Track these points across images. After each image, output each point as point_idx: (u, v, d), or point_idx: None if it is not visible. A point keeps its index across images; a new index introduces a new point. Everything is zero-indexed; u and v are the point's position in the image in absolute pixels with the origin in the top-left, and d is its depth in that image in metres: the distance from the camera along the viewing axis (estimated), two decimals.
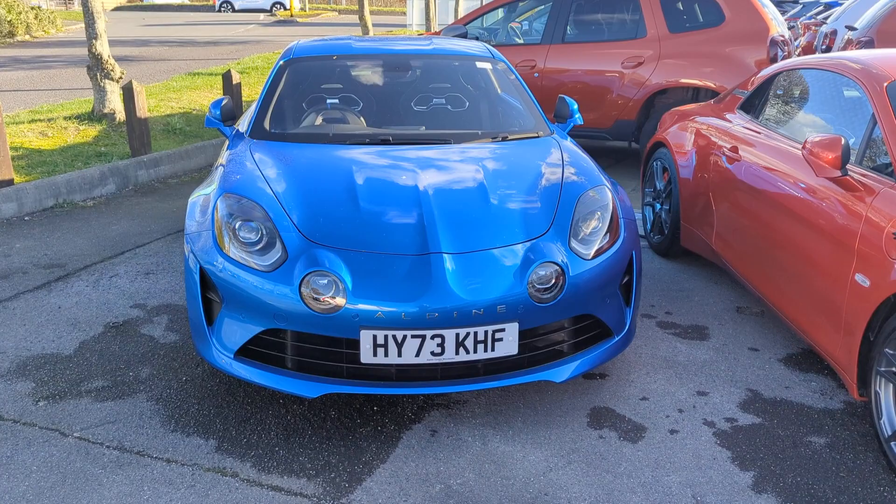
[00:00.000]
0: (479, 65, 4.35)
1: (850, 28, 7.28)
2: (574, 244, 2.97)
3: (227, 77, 7.94)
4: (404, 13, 31.04)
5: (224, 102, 4.02)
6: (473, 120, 4.01)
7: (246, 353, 2.90)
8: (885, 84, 3.16)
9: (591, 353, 3.00)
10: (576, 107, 4.19)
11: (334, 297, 2.70)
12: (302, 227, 2.92)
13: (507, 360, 2.81)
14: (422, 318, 2.67)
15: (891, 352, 2.60)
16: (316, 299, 2.71)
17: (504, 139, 3.74)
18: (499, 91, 4.19)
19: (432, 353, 2.70)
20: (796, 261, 3.26)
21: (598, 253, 2.99)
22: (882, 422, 2.69)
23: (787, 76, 4.04)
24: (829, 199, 3.09)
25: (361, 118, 3.96)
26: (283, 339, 2.84)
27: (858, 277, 2.80)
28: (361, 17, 12.69)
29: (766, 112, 4.06)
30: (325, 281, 2.72)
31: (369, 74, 4.28)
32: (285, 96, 4.06)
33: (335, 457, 2.73)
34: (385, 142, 3.64)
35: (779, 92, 4.05)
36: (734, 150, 3.96)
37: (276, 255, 2.84)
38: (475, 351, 2.72)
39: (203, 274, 2.96)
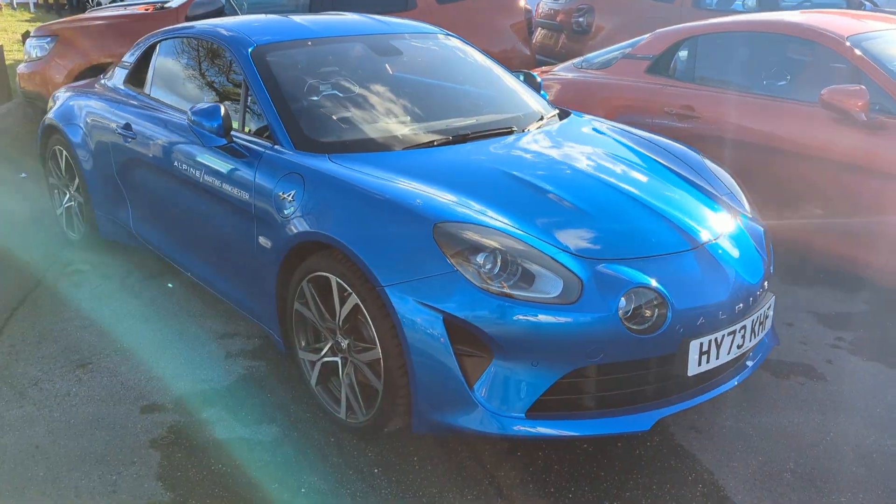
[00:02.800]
0: (445, 41, 3.95)
1: None
2: (747, 209, 3.07)
3: None
4: None
5: (223, 111, 3.00)
6: (497, 103, 3.67)
7: (536, 408, 2.38)
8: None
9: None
10: (541, 81, 4.12)
11: (659, 314, 2.38)
12: (561, 244, 2.46)
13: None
14: (732, 312, 2.53)
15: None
16: (636, 320, 2.36)
17: (549, 120, 3.54)
18: (485, 67, 3.89)
19: (738, 347, 2.58)
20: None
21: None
22: None
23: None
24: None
25: (395, 113, 3.33)
26: (579, 379, 2.40)
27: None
28: None
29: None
30: (643, 298, 2.38)
31: (361, 62, 3.57)
32: (293, 95, 3.19)
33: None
34: (464, 138, 3.16)
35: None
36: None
37: (556, 282, 2.36)
38: (758, 333, 2.68)
39: (449, 324, 2.32)
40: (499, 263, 2.38)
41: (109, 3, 11.05)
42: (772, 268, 2.91)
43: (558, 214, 2.63)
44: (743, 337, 2.58)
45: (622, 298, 2.36)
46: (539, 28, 8.43)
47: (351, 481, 2.50)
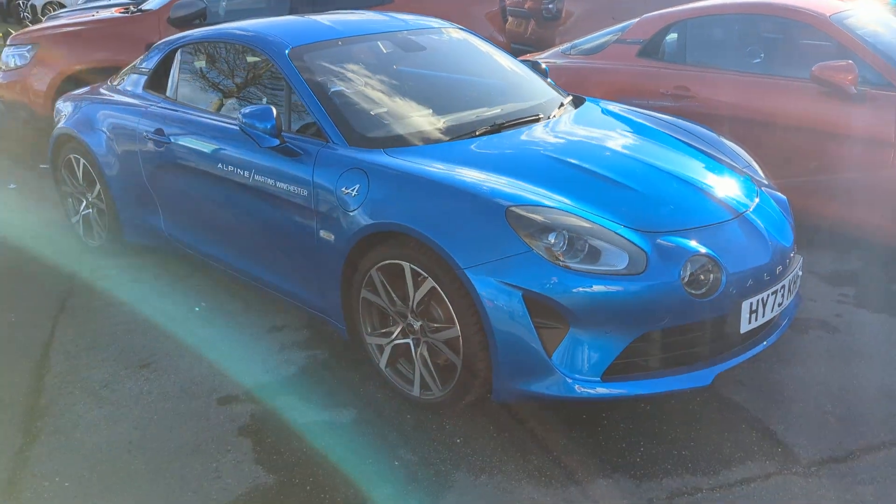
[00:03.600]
0: (456, 35, 4.12)
1: None
2: (763, 178, 3.34)
3: None
4: None
5: (275, 112, 3.13)
6: (516, 92, 3.86)
7: (610, 371, 2.60)
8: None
9: None
10: (547, 69, 4.32)
11: (714, 278, 2.63)
12: (621, 220, 2.68)
13: None
14: (774, 273, 2.80)
15: None
16: (696, 286, 2.60)
17: (566, 105, 3.75)
18: (498, 59, 4.07)
19: (779, 305, 2.85)
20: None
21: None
22: None
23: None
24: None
25: (433, 106, 3.49)
26: (646, 343, 2.63)
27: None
28: None
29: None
30: (701, 265, 2.62)
31: (390, 59, 3.71)
32: (337, 93, 3.33)
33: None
34: (500, 127, 3.35)
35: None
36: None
37: (622, 255, 2.58)
38: (793, 292, 2.96)
39: (528, 299, 2.52)
40: (567, 241, 2.58)
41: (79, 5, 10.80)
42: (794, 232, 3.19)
43: (610, 193, 2.85)
44: (783, 296, 2.86)
45: (682, 266, 2.59)
46: (509, 16, 8.63)
47: (438, 451, 2.69)
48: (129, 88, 4.30)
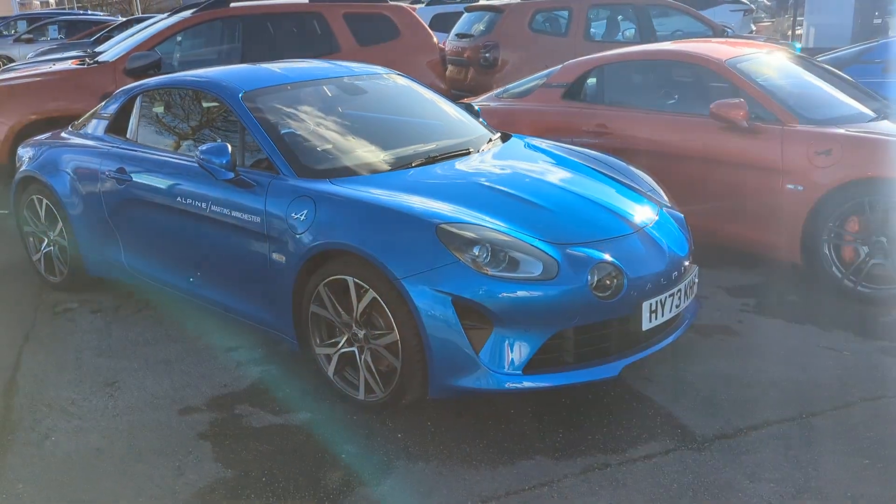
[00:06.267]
0: (398, 80, 4.56)
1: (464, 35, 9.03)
2: (667, 201, 3.80)
3: None
4: None
5: (230, 149, 3.49)
6: (450, 130, 4.27)
7: (530, 366, 2.98)
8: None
9: None
10: (479, 109, 4.78)
11: (617, 283, 3.04)
12: (535, 234, 3.08)
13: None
14: (670, 279, 3.22)
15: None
16: (600, 289, 3.01)
17: (494, 141, 4.18)
18: (435, 101, 4.51)
19: (675, 307, 3.28)
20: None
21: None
22: None
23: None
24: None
25: (372, 142, 3.88)
26: (560, 340, 3.02)
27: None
28: None
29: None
30: (605, 272, 3.03)
31: (334, 101, 4.11)
32: (285, 131, 3.70)
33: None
34: (433, 160, 3.75)
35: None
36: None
37: (537, 264, 2.98)
38: (689, 296, 3.39)
39: (457, 304, 2.89)
40: (490, 253, 2.97)
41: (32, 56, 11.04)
42: (692, 245, 3.64)
43: (527, 212, 3.26)
44: (679, 298, 3.28)
45: (589, 272, 3.00)
46: (449, 64, 9.17)
47: (380, 445, 3.01)
48: (90, 132, 4.61)
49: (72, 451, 3.03)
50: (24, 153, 4.96)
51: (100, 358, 3.85)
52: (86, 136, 4.61)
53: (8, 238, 5.19)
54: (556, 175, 3.69)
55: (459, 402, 3.23)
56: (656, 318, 3.17)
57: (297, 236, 3.27)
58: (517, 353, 2.95)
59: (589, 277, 2.99)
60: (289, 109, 3.88)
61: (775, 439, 2.96)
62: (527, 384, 2.96)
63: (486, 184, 3.46)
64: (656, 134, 4.91)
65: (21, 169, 4.82)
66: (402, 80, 4.59)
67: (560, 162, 3.91)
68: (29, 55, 12.93)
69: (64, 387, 3.56)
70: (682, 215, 3.70)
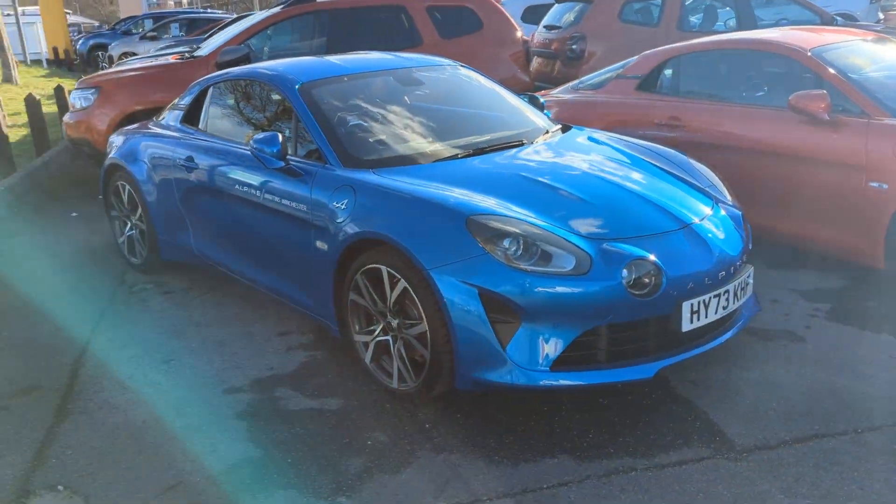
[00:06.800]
0: (460, 71, 4.54)
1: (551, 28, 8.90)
2: (728, 197, 3.61)
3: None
4: None
5: (281, 138, 3.58)
6: (507, 121, 4.22)
7: (559, 362, 2.90)
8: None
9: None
10: (544, 102, 4.69)
11: (653, 280, 2.91)
12: (571, 228, 3.00)
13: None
14: (716, 278, 3.06)
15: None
16: (636, 286, 2.90)
17: (553, 133, 4.10)
18: (496, 92, 4.46)
19: (723, 308, 3.11)
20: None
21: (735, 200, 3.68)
22: None
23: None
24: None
25: (424, 133, 3.89)
26: (592, 337, 2.93)
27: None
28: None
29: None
30: (642, 268, 2.91)
31: (389, 92, 4.15)
32: (336, 122, 3.76)
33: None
34: (483, 150, 3.72)
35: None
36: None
37: (570, 258, 2.90)
38: (740, 297, 3.21)
39: (484, 297, 2.85)
40: (522, 246, 2.91)
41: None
42: (750, 244, 3.44)
43: (567, 205, 3.18)
44: (727, 299, 3.12)
45: (624, 269, 2.89)
46: (535, 56, 9.07)
47: (408, 434, 3.02)
48: (168, 123, 4.84)
49: (119, 424, 3.20)
50: (114, 141, 5.27)
51: (161, 336, 4.04)
52: (164, 126, 4.85)
53: (105, 222, 5.53)
54: (607, 168, 3.57)
55: (494, 395, 3.20)
56: (699, 320, 3.02)
57: (338, 224, 3.32)
58: (546, 349, 2.89)
59: (624, 274, 2.89)
60: (342, 100, 3.94)
61: (820, 453, 2.76)
62: (554, 382, 2.89)
63: (530, 176, 3.39)
64: (731, 127, 4.67)
65: (109, 156, 5.12)
66: (465, 72, 4.57)
67: (614, 155, 3.78)
68: (150, 51, 13.76)
69: (125, 362, 3.76)
70: (740, 213, 3.51)
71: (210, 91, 4.58)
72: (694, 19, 8.46)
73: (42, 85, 16.40)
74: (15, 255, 5.57)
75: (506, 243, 2.91)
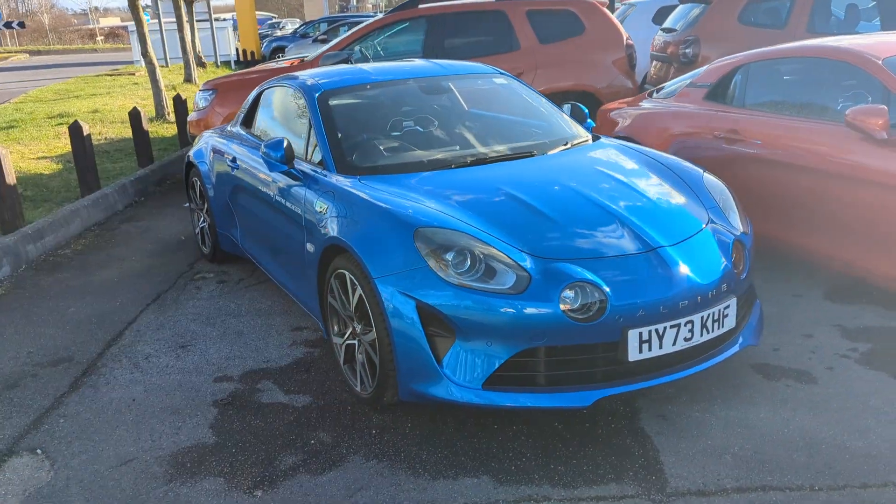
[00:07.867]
0: (497, 80, 4.51)
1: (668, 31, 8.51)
2: (731, 221, 3.33)
3: (75, 129, 7.04)
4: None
5: (285, 144, 3.76)
6: (525, 132, 4.15)
7: (491, 381, 2.84)
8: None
9: (753, 317, 3.38)
10: (587, 111, 4.53)
11: (596, 305, 2.77)
12: (522, 245, 2.93)
13: (723, 334, 3.08)
14: (675, 308, 2.85)
15: None
16: (577, 310, 2.77)
17: (573, 145, 3.97)
18: (529, 102, 4.39)
19: (685, 340, 2.89)
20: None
21: (745, 226, 3.39)
22: None
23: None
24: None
25: (431, 142, 3.93)
26: (529, 359, 2.83)
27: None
28: (146, 54, 11.69)
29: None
30: (584, 291, 2.78)
31: (409, 100, 4.23)
32: (344, 129, 3.89)
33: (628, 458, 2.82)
34: (481, 161, 3.69)
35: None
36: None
37: (511, 276, 2.82)
38: (712, 330, 2.97)
39: (421, 309, 2.84)
40: (468, 260, 2.88)
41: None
42: (743, 273, 3.16)
43: (531, 222, 3.08)
44: (690, 331, 2.89)
45: (564, 291, 2.77)
46: (654, 60, 8.70)
47: (351, 438, 3.08)
48: (233, 125, 5.20)
49: (113, 399, 3.52)
50: (196, 141, 5.73)
51: (193, 323, 4.37)
52: (229, 129, 5.21)
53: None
54: (596, 184, 3.41)
55: (452, 408, 3.18)
56: (649, 350, 2.83)
57: (319, 229, 3.44)
58: (479, 366, 2.84)
59: (564, 296, 2.77)
60: (356, 109, 4.05)
61: None
62: (484, 401, 2.83)
63: (508, 190, 3.32)
64: (786, 142, 4.26)
65: (188, 154, 5.59)
66: (503, 80, 4.52)
67: (617, 171, 3.60)
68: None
69: (150, 343, 4.12)
70: (733, 239, 3.21)
71: (261, 96, 4.87)
72: (825, 20, 7.72)
73: None
74: (123, 238, 6.22)
75: (449, 256, 2.89)
